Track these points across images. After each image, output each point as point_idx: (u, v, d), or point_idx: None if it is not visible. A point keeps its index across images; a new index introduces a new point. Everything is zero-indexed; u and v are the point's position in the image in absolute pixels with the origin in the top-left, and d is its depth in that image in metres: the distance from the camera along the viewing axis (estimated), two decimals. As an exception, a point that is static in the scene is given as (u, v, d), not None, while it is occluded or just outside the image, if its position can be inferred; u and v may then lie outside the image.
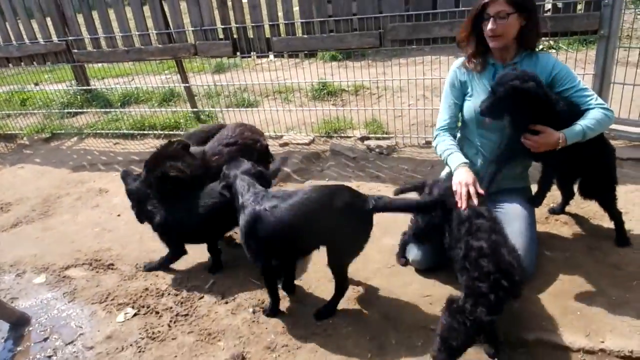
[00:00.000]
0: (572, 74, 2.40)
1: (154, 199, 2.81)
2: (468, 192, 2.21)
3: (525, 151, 2.34)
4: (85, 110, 5.92)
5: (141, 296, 2.75)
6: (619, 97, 3.54)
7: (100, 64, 5.97)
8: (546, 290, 2.37)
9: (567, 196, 2.88)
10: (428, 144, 4.19)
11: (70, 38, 5.10)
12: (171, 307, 2.63)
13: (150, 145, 4.98)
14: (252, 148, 3.11)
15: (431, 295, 2.44)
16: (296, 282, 2.66)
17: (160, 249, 2.96)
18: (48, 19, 5.16)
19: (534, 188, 2.68)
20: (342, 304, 2.43)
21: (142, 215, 2.87)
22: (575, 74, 2.42)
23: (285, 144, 4.55)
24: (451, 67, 2.66)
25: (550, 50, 5.54)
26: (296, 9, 4.21)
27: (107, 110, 5.77)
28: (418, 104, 4.74)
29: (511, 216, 2.47)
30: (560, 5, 3.50)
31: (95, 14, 4.91)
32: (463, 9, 3.61)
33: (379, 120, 4.57)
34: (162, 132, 5.18)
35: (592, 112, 2.29)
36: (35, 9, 5.13)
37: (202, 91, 5.73)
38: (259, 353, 2.26)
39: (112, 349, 2.40)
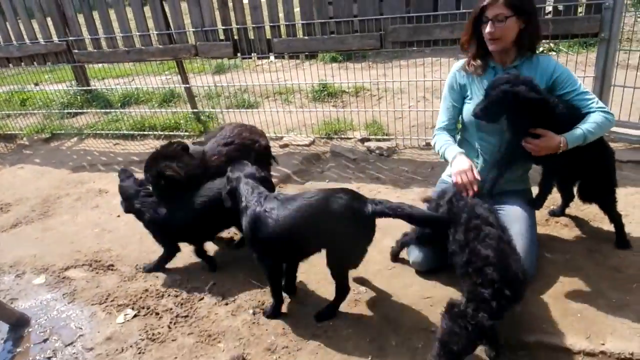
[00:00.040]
0: (572, 77, 2.40)
1: (145, 196, 2.86)
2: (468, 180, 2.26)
3: (526, 154, 2.34)
4: (85, 110, 5.92)
5: (141, 297, 2.74)
6: (619, 99, 3.55)
7: (100, 65, 5.97)
8: (546, 292, 2.37)
9: (567, 198, 2.88)
10: (428, 145, 4.20)
11: (70, 38, 5.10)
12: (171, 309, 2.62)
13: (150, 146, 4.98)
14: (250, 148, 3.11)
15: (432, 297, 2.44)
16: (297, 283, 2.65)
17: (160, 249, 2.96)
18: (49, 19, 5.16)
19: (535, 190, 2.69)
20: (342, 306, 2.43)
21: (130, 210, 2.91)
22: (576, 77, 2.42)
23: (286, 145, 4.55)
24: (451, 69, 2.67)
25: (550, 53, 5.55)
26: (297, 10, 4.21)
27: (107, 110, 5.77)
28: (418, 106, 4.74)
29: (512, 218, 2.47)
30: (561, 8, 3.51)
31: (96, 14, 4.91)
32: (464, 11, 3.61)
33: (379, 122, 4.57)
34: (162, 133, 5.18)
35: (593, 116, 2.29)
36: (36, 9, 5.13)
37: (203, 92, 5.73)
38: (259, 354, 2.26)
39: (112, 350, 2.40)
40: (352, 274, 2.47)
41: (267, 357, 2.23)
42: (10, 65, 5.66)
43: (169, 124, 5.22)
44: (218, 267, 2.92)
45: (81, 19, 4.99)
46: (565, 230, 2.85)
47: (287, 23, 4.22)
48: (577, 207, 2.95)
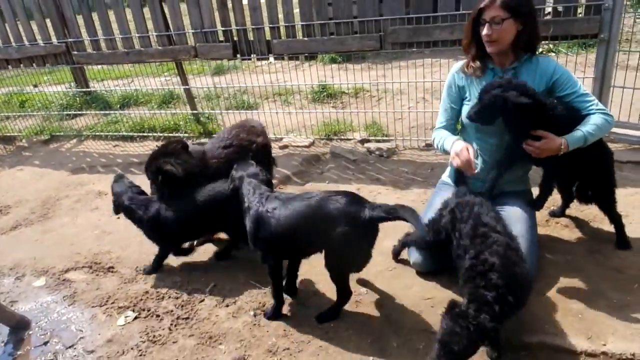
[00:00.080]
0: (572, 79, 2.40)
1: (135, 194, 2.93)
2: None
3: (527, 156, 2.35)
4: (84, 112, 5.91)
5: (142, 299, 2.74)
6: (619, 100, 3.56)
7: (99, 66, 5.96)
8: (548, 293, 2.37)
9: (568, 199, 2.88)
10: (428, 146, 4.20)
11: (69, 40, 5.09)
12: (172, 311, 2.62)
13: (149, 147, 4.97)
14: (247, 149, 3.12)
15: (433, 298, 2.44)
16: (298, 285, 2.65)
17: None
18: (47, 21, 5.15)
19: (535, 191, 2.69)
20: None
21: (119, 210, 2.96)
22: (576, 78, 2.43)
23: (285, 147, 4.55)
24: (450, 70, 2.67)
25: (549, 54, 5.56)
26: (296, 11, 4.21)
27: (107, 112, 5.76)
28: (418, 107, 4.75)
29: (512, 219, 2.47)
30: (560, 9, 3.51)
31: (95, 16, 4.90)
32: (463, 12, 3.62)
33: (379, 123, 4.57)
34: (161, 135, 5.17)
35: (593, 118, 2.30)
36: (35, 10, 5.12)
37: (202, 93, 5.72)
38: (260, 356, 2.26)
39: (112, 352, 2.39)
40: (353, 275, 2.47)
41: (268, 359, 2.23)
42: (9, 67, 5.65)
43: (168, 126, 5.21)
44: (218, 269, 2.92)
45: (80, 20, 4.99)
46: (566, 231, 2.85)
47: (287, 24, 4.22)
48: (578, 208, 2.96)
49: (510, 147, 2.43)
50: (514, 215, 2.51)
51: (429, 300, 2.44)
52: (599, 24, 3.37)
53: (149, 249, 3.11)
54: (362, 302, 2.50)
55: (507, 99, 2.21)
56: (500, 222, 2.14)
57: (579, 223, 2.90)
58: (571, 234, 2.82)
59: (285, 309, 2.51)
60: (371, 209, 2.13)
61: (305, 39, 4.19)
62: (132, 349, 2.40)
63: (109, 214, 3.75)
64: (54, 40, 5.20)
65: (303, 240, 2.29)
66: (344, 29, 4.04)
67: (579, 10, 3.58)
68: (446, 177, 2.88)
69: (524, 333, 2.15)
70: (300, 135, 4.68)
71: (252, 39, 4.39)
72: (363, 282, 2.62)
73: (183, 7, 4.52)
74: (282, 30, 4.29)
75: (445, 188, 2.79)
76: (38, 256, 3.30)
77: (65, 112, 5.95)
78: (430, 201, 2.84)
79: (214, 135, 4.88)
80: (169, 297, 2.73)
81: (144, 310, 2.65)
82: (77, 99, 6.06)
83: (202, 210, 2.75)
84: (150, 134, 5.22)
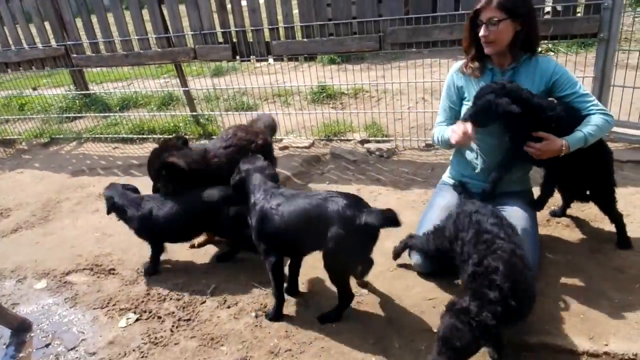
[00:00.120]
0: (572, 80, 2.40)
1: (126, 191, 2.98)
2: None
3: (528, 157, 2.35)
4: (84, 114, 5.92)
5: (143, 301, 2.74)
6: (619, 99, 3.56)
7: (98, 68, 5.96)
8: (549, 293, 2.37)
9: (568, 199, 2.88)
10: (428, 146, 4.20)
11: (69, 43, 5.09)
12: (173, 312, 2.62)
13: (149, 149, 4.92)
14: (246, 149, 3.13)
15: (434, 299, 2.44)
16: (299, 285, 2.65)
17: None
18: (47, 24, 5.15)
19: (535, 190, 2.69)
20: (345, 308, 2.43)
21: (111, 209, 2.97)
22: (575, 78, 2.42)
23: (285, 148, 4.55)
24: (450, 70, 2.67)
25: (548, 53, 5.56)
26: (295, 12, 4.22)
27: (106, 114, 5.76)
28: (417, 107, 4.75)
29: (513, 219, 2.45)
30: (559, 8, 3.52)
31: (94, 18, 4.90)
32: (462, 12, 3.62)
33: (378, 123, 4.57)
34: (161, 136, 5.16)
35: (593, 118, 2.30)
36: (34, 14, 5.12)
37: (201, 95, 5.72)
38: (262, 358, 2.25)
39: (114, 354, 2.39)
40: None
41: (270, 361, 2.23)
42: (9, 70, 5.65)
43: (168, 127, 5.21)
44: (219, 270, 2.92)
45: (79, 23, 4.99)
46: (567, 231, 2.85)
47: (286, 25, 4.22)
48: (578, 208, 2.96)
49: (510, 149, 2.44)
50: (515, 216, 2.50)
51: (430, 301, 2.44)
52: (599, 23, 3.37)
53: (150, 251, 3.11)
54: (363, 303, 2.50)
55: (500, 106, 2.23)
56: (503, 228, 2.10)
57: (580, 223, 2.90)
58: (572, 233, 2.82)
59: (287, 310, 2.51)
60: (368, 214, 2.11)
61: (305, 40, 4.19)
62: (133, 350, 2.40)
63: (109, 216, 3.75)
64: (53, 43, 5.19)
65: (302, 238, 2.32)
66: (343, 30, 4.04)
67: (579, 10, 3.58)
68: (447, 177, 2.88)
69: (525, 333, 2.14)
70: (300, 136, 4.68)
71: (251, 40, 4.38)
72: (364, 283, 2.61)
73: (182, 9, 4.53)
74: (281, 32, 4.29)
75: (446, 188, 2.80)
76: (39, 259, 3.30)
77: (64, 115, 5.95)
78: (431, 201, 2.84)
79: (213, 137, 4.91)
80: (171, 299, 2.73)
81: (145, 312, 2.65)
82: (77, 101, 6.06)
83: (192, 213, 2.79)
84: (150, 136, 5.22)
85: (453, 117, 2.67)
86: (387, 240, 2.79)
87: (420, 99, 4.89)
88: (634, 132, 3.66)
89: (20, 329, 2.64)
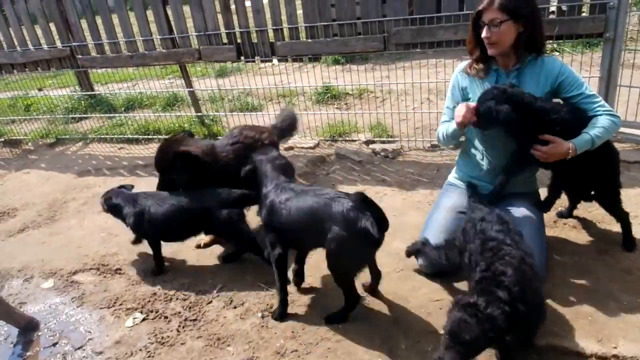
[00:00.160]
0: (579, 80, 2.38)
1: (123, 190, 3.07)
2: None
3: (534, 160, 2.35)
4: (89, 115, 5.94)
5: (149, 301, 2.75)
6: (626, 99, 3.54)
7: (103, 69, 5.98)
8: (557, 295, 2.36)
9: (575, 200, 2.87)
10: (433, 147, 4.19)
11: (74, 44, 5.10)
12: (180, 312, 2.63)
13: (155, 149, 4.95)
14: (253, 147, 3.14)
15: (441, 300, 2.44)
16: (306, 285, 2.66)
17: (166, 252, 2.97)
18: (52, 25, 5.17)
19: (542, 192, 2.68)
20: (351, 309, 2.43)
21: (108, 209, 3.04)
22: (582, 79, 2.40)
23: (290, 148, 4.55)
24: (455, 70, 2.67)
25: (553, 53, 5.54)
26: (300, 12, 4.22)
27: (111, 115, 5.78)
28: (422, 108, 4.74)
29: (520, 220, 2.46)
30: (565, 8, 3.50)
31: (99, 20, 4.92)
32: (467, 12, 3.61)
33: (383, 124, 4.57)
34: (166, 137, 5.17)
35: (600, 120, 2.29)
36: (39, 15, 5.14)
37: (206, 95, 5.73)
38: (268, 358, 2.26)
39: (121, 354, 2.40)
40: (360, 277, 2.46)
41: (276, 361, 2.23)
42: (15, 71, 5.68)
43: (173, 128, 5.22)
44: (226, 271, 2.93)
45: (84, 24, 5.00)
46: (574, 232, 2.84)
47: (290, 26, 4.22)
48: (585, 209, 2.94)
49: (516, 152, 2.43)
50: (522, 217, 2.50)
51: (437, 302, 2.44)
52: (604, 23, 3.35)
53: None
54: (370, 303, 2.49)
55: (500, 113, 2.24)
56: (509, 234, 2.08)
57: (587, 224, 2.88)
58: (579, 235, 2.81)
59: (294, 311, 2.51)
60: (368, 219, 2.09)
61: (309, 40, 4.19)
62: (140, 350, 2.41)
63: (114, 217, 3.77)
64: (59, 44, 5.21)
65: (307, 234, 2.34)
66: (348, 30, 4.04)
67: (584, 9, 3.57)
68: (452, 177, 2.87)
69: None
70: (305, 136, 4.68)
71: (255, 41, 4.39)
72: (372, 290, 2.59)
73: (186, 10, 4.53)
74: (286, 32, 4.29)
75: (452, 189, 2.79)
76: (46, 258, 3.32)
77: (70, 116, 5.98)
78: (436, 202, 2.83)
79: (218, 138, 4.92)
80: (177, 299, 2.74)
81: (152, 311, 2.66)
82: (82, 102, 6.09)
83: (188, 212, 2.81)
84: (155, 137, 5.23)
85: None
86: (395, 241, 2.80)
87: (425, 100, 4.88)
88: (640, 133, 3.65)
89: (28, 328, 2.65)
